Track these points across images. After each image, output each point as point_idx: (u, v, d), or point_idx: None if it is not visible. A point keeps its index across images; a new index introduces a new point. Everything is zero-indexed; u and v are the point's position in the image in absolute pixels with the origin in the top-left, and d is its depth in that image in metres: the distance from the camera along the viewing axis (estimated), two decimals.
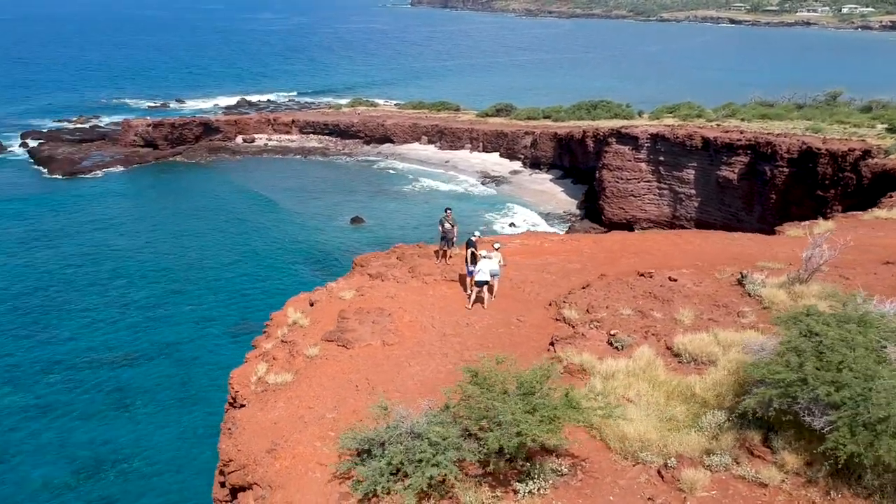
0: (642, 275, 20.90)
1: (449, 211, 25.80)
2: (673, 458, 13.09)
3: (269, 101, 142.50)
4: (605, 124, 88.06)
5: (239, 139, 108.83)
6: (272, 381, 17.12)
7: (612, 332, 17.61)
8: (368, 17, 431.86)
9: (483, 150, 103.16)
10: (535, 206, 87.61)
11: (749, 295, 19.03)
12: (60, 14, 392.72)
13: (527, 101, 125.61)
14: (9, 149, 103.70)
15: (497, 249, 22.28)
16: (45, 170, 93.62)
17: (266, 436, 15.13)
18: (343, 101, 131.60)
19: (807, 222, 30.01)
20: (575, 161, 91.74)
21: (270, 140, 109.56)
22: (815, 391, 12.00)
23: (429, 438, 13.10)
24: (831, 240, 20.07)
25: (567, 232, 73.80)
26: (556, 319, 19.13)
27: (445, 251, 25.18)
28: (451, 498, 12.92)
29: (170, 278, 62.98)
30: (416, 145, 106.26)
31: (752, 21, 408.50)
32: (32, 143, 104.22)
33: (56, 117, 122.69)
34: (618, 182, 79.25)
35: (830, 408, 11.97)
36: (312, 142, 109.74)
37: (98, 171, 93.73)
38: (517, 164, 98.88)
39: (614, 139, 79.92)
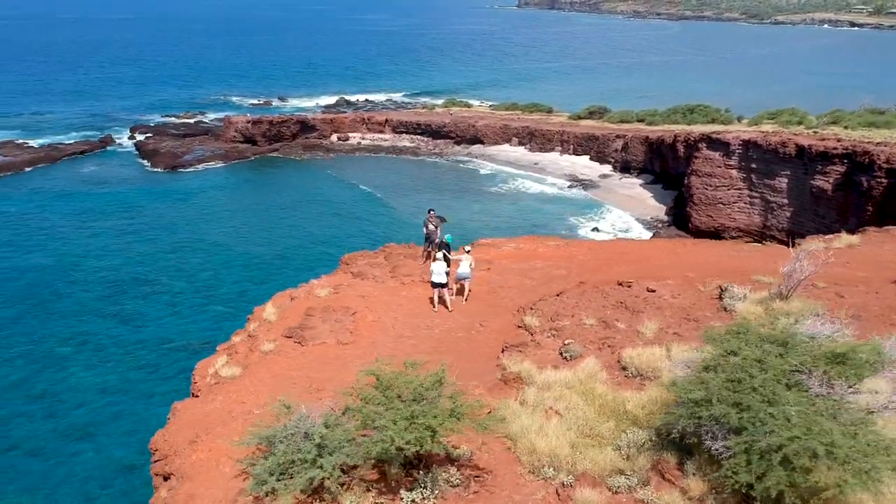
0: (621, 284, 20.41)
1: (432, 212, 25.86)
2: (570, 476, 12.67)
3: (367, 100, 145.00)
4: (699, 129, 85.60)
5: (334, 137, 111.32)
6: (224, 375, 17.51)
7: (566, 342, 17.19)
8: (474, 18, 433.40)
9: (573, 153, 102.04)
10: (623, 211, 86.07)
11: (725, 310, 18.25)
12: (187, 13, 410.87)
13: (626, 103, 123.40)
14: (118, 141, 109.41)
15: (468, 252, 22.20)
16: (149, 163, 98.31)
17: (194, 428, 15.32)
18: (439, 102, 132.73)
19: (830, 235, 28.31)
20: (665, 166, 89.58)
21: (364, 139, 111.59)
22: (716, 413, 11.37)
23: (315, 440, 12.97)
24: (817, 254, 18.89)
25: (652, 238, 72.29)
26: (519, 326, 18.81)
27: (430, 252, 25.15)
28: (334, 502, 12.74)
29: (258, 269, 65.01)
30: (505, 146, 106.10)
31: (875, 24, 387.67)
32: (140, 137, 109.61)
33: (165, 112, 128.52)
34: (706, 189, 76.87)
35: (732, 432, 11.28)
36: (404, 141, 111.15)
37: (198, 166, 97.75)
38: (607, 168, 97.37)
39: (704, 144, 77.54)
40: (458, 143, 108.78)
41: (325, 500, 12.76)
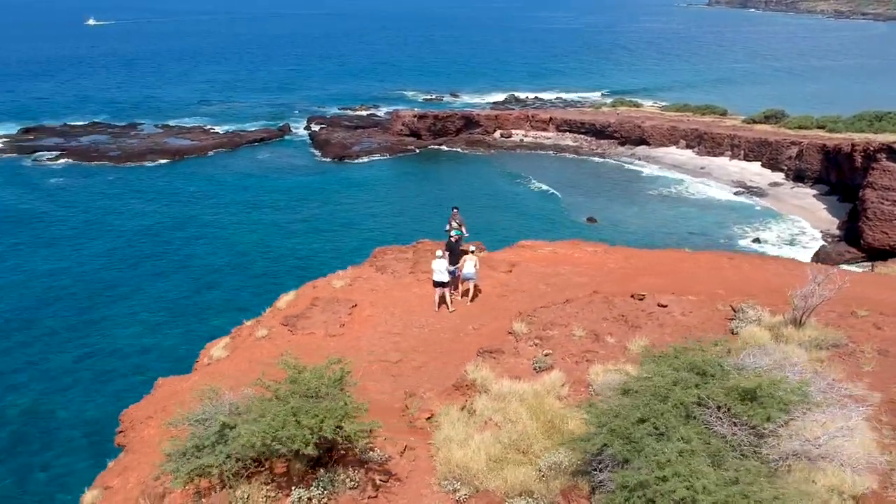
0: (633, 296, 19.33)
1: (455, 210, 25.30)
2: (469, 492, 12.29)
3: (536, 98, 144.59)
4: (882, 138, 78.81)
5: (497, 134, 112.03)
6: (214, 356, 18.14)
7: (544, 353, 16.54)
8: (660, 17, 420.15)
9: (743, 159, 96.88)
10: (791, 222, 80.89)
11: (732, 332, 16.88)
12: (373, 10, 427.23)
13: (810, 108, 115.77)
14: (294, 131, 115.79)
15: (472, 252, 21.62)
16: (319, 152, 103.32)
17: (157, 405, 15.83)
18: (608, 101, 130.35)
19: None
20: (842, 177, 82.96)
21: (526, 136, 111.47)
22: (597, 442, 10.62)
23: (215, 427, 12.90)
24: (834, 277, 16.72)
25: (814, 255, 67.39)
26: (510, 332, 18.09)
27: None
28: (229, 489, 12.73)
29: None
30: (672, 149, 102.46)
31: None
32: (315, 127, 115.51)
33: (342, 105, 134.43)
34: (883, 203, 70.55)
35: (618, 464, 10.43)
36: (567, 140, 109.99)
37: (364, 157, 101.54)
38: (779, 176, 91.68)
39: (884, 155, 71.24)
40: (622, 144, 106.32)
41: (210, 488, 12.87)
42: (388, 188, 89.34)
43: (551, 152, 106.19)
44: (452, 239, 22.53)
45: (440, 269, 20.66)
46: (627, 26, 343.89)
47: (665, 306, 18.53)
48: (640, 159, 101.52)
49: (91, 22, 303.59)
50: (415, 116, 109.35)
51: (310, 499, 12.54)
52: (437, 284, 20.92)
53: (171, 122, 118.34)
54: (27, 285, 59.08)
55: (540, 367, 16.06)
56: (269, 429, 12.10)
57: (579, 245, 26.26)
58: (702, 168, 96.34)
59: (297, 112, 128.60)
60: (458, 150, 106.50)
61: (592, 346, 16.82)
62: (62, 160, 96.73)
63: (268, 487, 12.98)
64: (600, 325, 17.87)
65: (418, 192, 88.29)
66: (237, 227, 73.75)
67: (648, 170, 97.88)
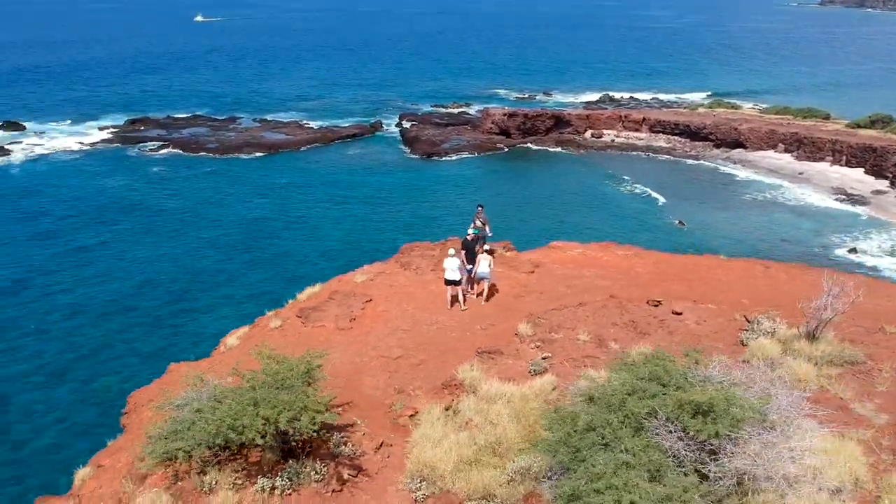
0: (648, 302, 18.85)
1: (480, 208, 24.90)
2: (425, 492, 12.30)
3: (631, 98, 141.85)
4: None
5: (588, 134, 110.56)
6: (228, 344, 18.64)
7: (543, 356, 16.39)
8: (769, 16, 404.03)
9: (845, 165, 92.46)
10: (893, 232, 76.94)
11: (742, 343, 16.30)
12: (477, 9, 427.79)
13: None
14: (386, 127, 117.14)
15: (486, 251, 21.33)
16: (409, 149, 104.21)
17: (163, 388, 16.27)
18: (705, 102, 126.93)
19: None
20: None
21: (618, 136, 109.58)
22: (541, 449, 10.74)
23: (188, 413, 13.24)
24: (848, 290, 15.75)
25: None
26: (516, 334, 17.82)
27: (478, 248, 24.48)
28: (201, 474, 13.16)
29: None
30: (769, 153, 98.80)
31: None
32: (406, 124, 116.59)
33: (434, 102, 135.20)
34: None
35: (564, 472, 10.36)
36: (660, 141, 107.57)
37: (452, 155, 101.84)
38: (883, 184, 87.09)
39: None
40: (717, 147, 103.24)
41: (191, 472, 13.29)
42: (474, 186, 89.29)
43: (643, 153, 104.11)
44: (469, 237, 22.27)
45: (452, 267, 20.50)
46: (735, 26, 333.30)
47: (679, 314, 18.05)
48: (735, 163, 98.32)
49: (199, 18, 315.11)
50: (504, 115, 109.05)
51: (273, 488, 12.85)
52: (449, 283, 20.78)
53: (269, 117, 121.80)
54: (128, 271, 61.77)
55: (535, 371, 15.94)
56: (225, 417, 12.36)
57: (610, 248, 25.76)
58: (800, 173, 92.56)
59: (390, 109, 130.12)
60: (548, 149, 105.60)
61: (594, 351, 16.57)
62: (163, 150, 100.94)
63: (237, 475, 13.30)
64: (607, 331, 17.57)
65: (503, 190, 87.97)
66: (325, 221, 75.31)
67: (743, 174, 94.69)
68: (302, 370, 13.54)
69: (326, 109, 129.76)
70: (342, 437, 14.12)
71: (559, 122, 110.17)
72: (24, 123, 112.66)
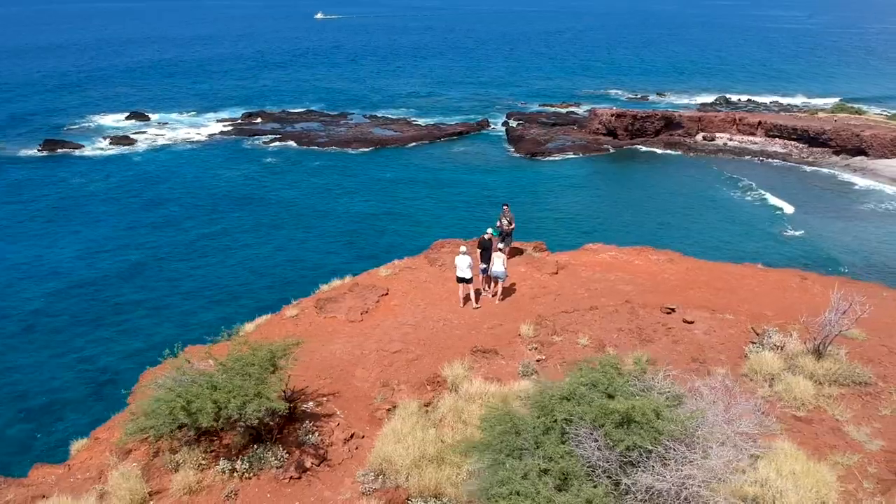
0: (661, 309, 18.38)
1: (506, 206, 24.92)
2: (372, 485, 12.52)
3: (749, 100, 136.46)
4: None
5: (699, 136, 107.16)
6: (246, 330, 19.26)
7: (538, 358, 16.33)
8: None
9: None
10: None
11: (746, 356, 15.58)
12: (604, 8, 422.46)
13: None
14: (493, 126, 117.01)
15: (500, 250, 21.01)
16: (513, 148, 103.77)
17: (172, 368, 16.84)
18: (828, 107, 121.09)
19: None
20: None
21: (731, 140, 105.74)
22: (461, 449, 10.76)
23: (160, 392, 13.68)
24: (855, 305, 14.67)
25: None
26: (518, 334, 17.59)
27: (501, 247, 24.12)
28: (172, 452, 13.82)
29: None
30: (893, 161, 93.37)
31: None
32: (512, 123, 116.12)
33: (543, 101, 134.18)
34: None
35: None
36: (775, 146, 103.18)
37: (556, 155, 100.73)
38: None
39: None
40: (836, 153, 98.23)
41: (166, 450, 13.92)
42: (576, 186, 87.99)
43: (756, 158, 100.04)
44: (486, 236, 22.03)
45: (462, 265, 20.40)
46: (871, 27, 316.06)
47: (691, 322, 17.44)
48: (855, 170, 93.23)
49: (319, 16, 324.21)
50: (612, 115, 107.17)
51: (233, 470, 13.24)
52: (460, 280, 20.67)
53: (379, 113, 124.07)
54: (237, 258, 63.91)
55: (525, 372, 15.77)
56: (180, 399, 12.84)
57: (644, 252, 24.91)
58: None
59: (499, 107, 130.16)
60: (655, 150, 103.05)
61: (590, 356, 16.25)
62: (276, 143, 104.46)
63: (205, 455, 13.77)
64: (610, 336, 17.18)
65: (605, 191, 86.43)
66: (426, 216, 76.10)
67: (864, 182, 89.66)
68: (265, 357, 13.81)
69: (436, 107, 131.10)
70: (314, 426, 14.35)
71: (669, 123, 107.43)
72: (150, 114, 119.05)
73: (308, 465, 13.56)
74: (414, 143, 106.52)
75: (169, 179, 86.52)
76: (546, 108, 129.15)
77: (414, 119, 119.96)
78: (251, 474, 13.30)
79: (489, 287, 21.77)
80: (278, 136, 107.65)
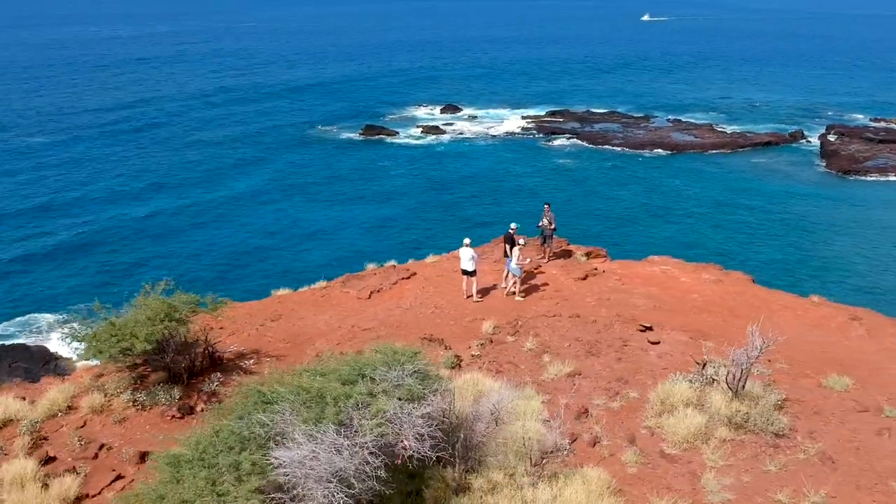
0: (637, 326, 17.68)
1: (547, 206, 24.41)
2: None
3: None
4: None
5: None
6: (279, 294, 21.77)
7: (472, 354, 16.86)
8: None
9: None
10: None
11: (690, 382, 14.24)
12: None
13: None
14: (807, 138, 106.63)
15: (520, 246, 20.71)
16: (824, 163, 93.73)
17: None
18: None
19: None
20: None
21: None
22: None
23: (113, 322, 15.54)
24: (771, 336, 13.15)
25: None
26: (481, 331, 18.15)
27: (545, 248, 24.77)
28: (104, 376, 16.22)
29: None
30: None
31: None
32: (831, 137, 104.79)
33: (875, 115, 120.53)
34: None
35: None
36: None
37: (875, 174, 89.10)
38: None
39: None
40: None
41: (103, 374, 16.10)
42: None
43: None
44: (510, 232, 21.92)
45: (464, 257, 20.52)
46: None
47: (656, 343, 16.50)
48: None
49: (646, 18, 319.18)
50: None
51: (134, 401, 15.03)
52: (464, 273, 20.87)
53: (683, 118, 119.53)
54: None
55: (447, 365, 15.84)
56: (113, 329, 15.04)
57: (701, 269, 22.91)
58: None
59: (818, 119, 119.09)
60: None
61: (521, 360, 16.29)
62: (570, 141, 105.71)
63: (126, 385, 15.71)
64: (561, 344, 16.73)
65: None
66: (704, 225, 72.44)
67: None
68: (191, 301, 15.87)
69: (743, 113, 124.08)
70: (228, 379, 15.72)
71: None
72: (462, 107, 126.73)
73: (199, 408, 14.93)
74: (714, 151, 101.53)
75: (461, 169, 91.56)
76: (877, 122, 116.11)
77: (720, 125, 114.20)
78: (149, 406, 14.97)
79: (506, 283, 21.85)
80: (575, 135, 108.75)
